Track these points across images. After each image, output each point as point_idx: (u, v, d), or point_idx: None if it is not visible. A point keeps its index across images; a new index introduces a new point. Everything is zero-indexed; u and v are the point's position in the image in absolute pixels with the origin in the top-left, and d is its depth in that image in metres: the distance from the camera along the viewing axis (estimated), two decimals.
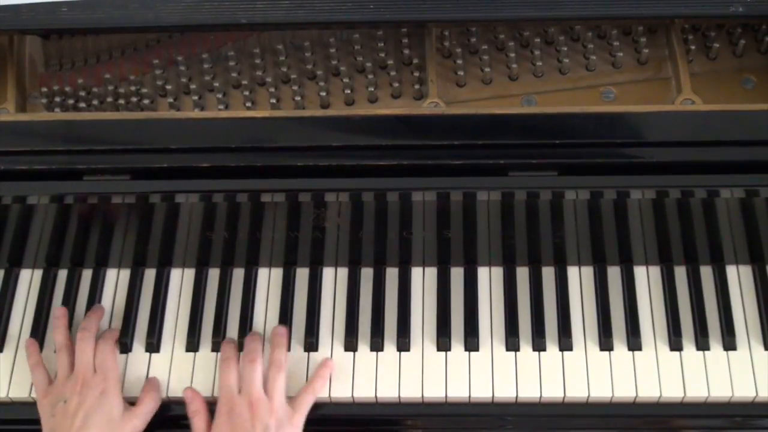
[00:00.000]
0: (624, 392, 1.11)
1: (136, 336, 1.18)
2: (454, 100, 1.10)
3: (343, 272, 1.21)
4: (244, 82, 1.12)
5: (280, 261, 1.21)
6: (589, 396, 1.11)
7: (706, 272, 1.19)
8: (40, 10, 1.04)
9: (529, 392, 1.12)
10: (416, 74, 1.10)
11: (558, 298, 1.18)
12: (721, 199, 1.05)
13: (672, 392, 1.11)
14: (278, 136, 1.03)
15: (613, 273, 1.19)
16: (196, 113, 1.09)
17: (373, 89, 1.10)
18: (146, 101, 1.11)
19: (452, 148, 1.01)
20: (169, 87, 1.11)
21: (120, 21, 1.04)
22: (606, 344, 1.14)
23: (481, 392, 1.12)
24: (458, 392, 1.12)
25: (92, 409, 1.07)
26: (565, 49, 1.10)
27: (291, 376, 1.13)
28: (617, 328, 1.15)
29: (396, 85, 1.10)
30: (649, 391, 1.11)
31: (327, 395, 1.12)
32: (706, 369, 1.12)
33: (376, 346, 1.15)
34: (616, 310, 1.16)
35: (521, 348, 1.14)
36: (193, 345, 1.17)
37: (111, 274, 1.23)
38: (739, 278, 1.18)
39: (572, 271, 1.20)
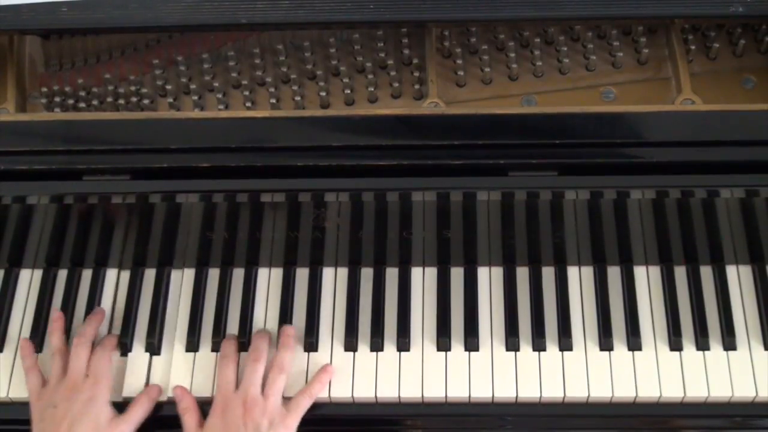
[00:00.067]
0: (624, 392, 1.11)
1: (136, 336, 1.18)
2: (454, 100, 1.10)
3: (343, 272, 1.21)
4: (244, 82, 1.12)
5: (280, 261, 1.21)
6: (589, 396, 1.11)
7: (706, 272, 1.19)
8: (40, 10, 1.04)
9: (529, 392, 1.12)
10: (416, 74, 1.10)
11: (558, 298, 1.18)
12: (721, 199, 1.05)
13: (672, 392, 1.11)
14: (278, 136, 1.03)
15: (613, 273, 1.19)
16: (196, 113, 1.09)
17: (373, 89, 1.10)
18: (146, 101, 1.11)
19: (452, 148, 1.01)
20: (169, 87, 1.11)
21: (120, 21, 1.04)
22: (606, 344, 1.14)
23: (481, 392, 1.12)
24: (458, 392, 1.12)
25: (79, 416, 1.07)
26: (565, 49, 1.11)
27: (289, 376, 1.12)
28: (617, 328, 1.15)
29: (396, 85, 1.10)
30: (649, 391, 1.11)
31: (327, 395, 1.12)
32: (706, 369, 1.12)
33: (376, 346, 1.15)
34: (616, 310, 1.16)
35: (521, 348, 1.14)
36: (193, 345, 1.17)
37: (111, 274, 1.23)
38: (739, 278, 1.18)
39: (572, 271, 1.20)
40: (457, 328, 1.16)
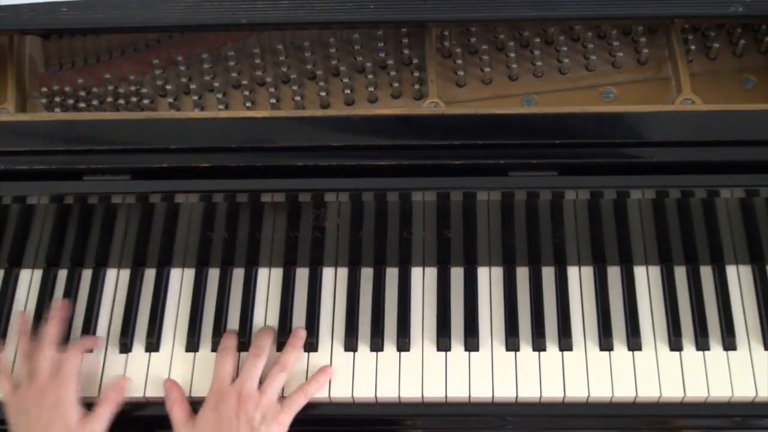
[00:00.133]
0: (624, 392, 1.11)
1: (136, 336, 1.18)
2: (454, 100, 1.10)
3: (343, 272, 1.21)
4: (244, 82, 1.12)
5: (280, 261, 1.21)
6: (589, 396, 1.11)
7: (706, 272, 1.19)
8: (40, 10, 1.04)
9: (529, 392, 1.12)
10: (416, 74, 1.10)
11: (558, 298, 1.18)
12: (721, 199, 1.05)
13: (672, 392, 1.11)
14: (278, 136, 1.03)
15: (613, 273, 1.19)
16: (196, 113, 1.09)
17: (373, 89, 1.10)
18: (146, 101, 1.11)
19: (452, 148, 1.01)
20: (169, 87, 1.11)
21: (120, 21, 1.04)
22: (606, 344, 1.14)
23: (481, 392, 1.12)
24: (458, 392, 1.12)
25: (49, 422, 1.06)
26: (565, 49, 1.10)
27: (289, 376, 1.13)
28: (617, 328, 1.15)
29: (396, 85, 1.10)
30: (649, 391, 1.11)
31: (327, 395, 1.12)
32: (706, 369, 1.12)
33: (376, 346, 1.15)
34: (616, 310, 1.16)
35: (521, 348, 1.14)
36: (193, 345, 1.17)
37: (111, 274, 1.23)
38: (739, 278, 1.18)
39: (572, 271, 1.20)
40: (457, 328, 1.16)
